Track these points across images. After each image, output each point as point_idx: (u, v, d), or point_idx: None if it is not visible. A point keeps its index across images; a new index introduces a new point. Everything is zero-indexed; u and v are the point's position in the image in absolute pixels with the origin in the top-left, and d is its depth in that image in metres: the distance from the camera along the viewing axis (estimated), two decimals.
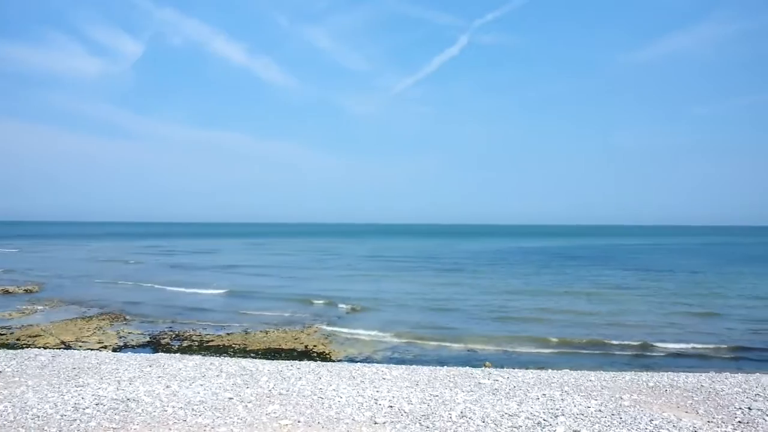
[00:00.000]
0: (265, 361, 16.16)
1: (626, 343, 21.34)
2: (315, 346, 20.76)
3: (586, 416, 9.74)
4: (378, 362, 18.02)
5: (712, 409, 10.48)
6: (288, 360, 17.47)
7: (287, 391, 11.39)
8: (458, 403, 10.53)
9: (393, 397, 10.99)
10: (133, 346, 20.67)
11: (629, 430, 9.02)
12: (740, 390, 12.22)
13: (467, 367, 15.54)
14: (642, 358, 19.25)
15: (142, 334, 23.00)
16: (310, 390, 11.49)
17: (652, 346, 20.89)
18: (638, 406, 10.59)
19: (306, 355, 19.37)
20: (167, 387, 11.51)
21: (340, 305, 30.51)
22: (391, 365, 16.10)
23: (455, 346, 21.07)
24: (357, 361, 18.14)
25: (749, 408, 10.49)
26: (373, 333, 23.26)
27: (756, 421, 9.65)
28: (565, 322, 25.57)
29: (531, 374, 14.21)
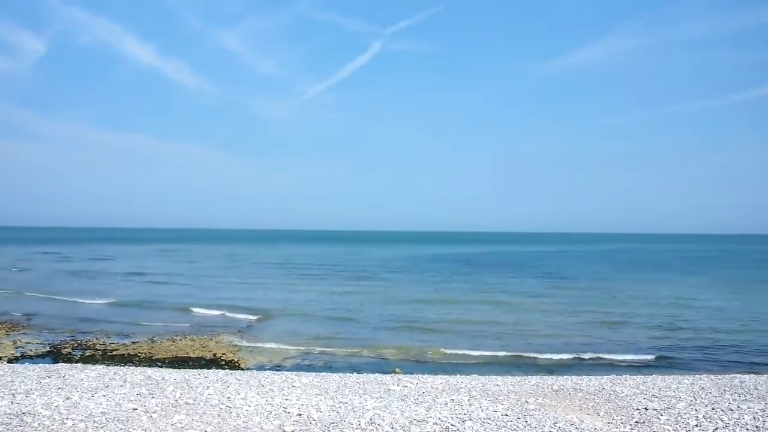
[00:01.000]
0: (171, 370, 15.76)
1: (534, 350, 21.85)
2: (224, 354, 20.40)
3: (493, 420, 9.92)
4: (288, 370, 17.87)
5: (612, 411, 10.85)
6: (196, 368, 17.09)
7: (194, 400, 11.14)
8: (368, 410, 10.54)
9: (302, 404, 10.91)
10: (31, 357, 19.77)
11: None
12: (638, 391, 12.70)
13: (377, 374, 15.61)
14: (548, 364, 19.77)
15: (41, 343, 22.06)
16: (217, 399, 11.27)
17: (559, 352, 21.48)
18: (543, 409, 10.87)
19: (214, 363, 19.02)
20: (67, 399, 11.07)
21: (249, 313, 30.12)
22: (301, 373, 15.99)
23: (365, 353, 21.13)
24: (266, 369, 17.94)
25: (645, 408, 10.93)
26: (283, 340, 23.06)
27: (651, 420, 10.05)
28: (474, 331, 25.99)
29: (440, 380, 14.37)
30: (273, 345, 22.31)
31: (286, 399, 11.42)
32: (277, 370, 17.43)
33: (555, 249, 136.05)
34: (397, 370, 17.89)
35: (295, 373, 15.87)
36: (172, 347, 21.39)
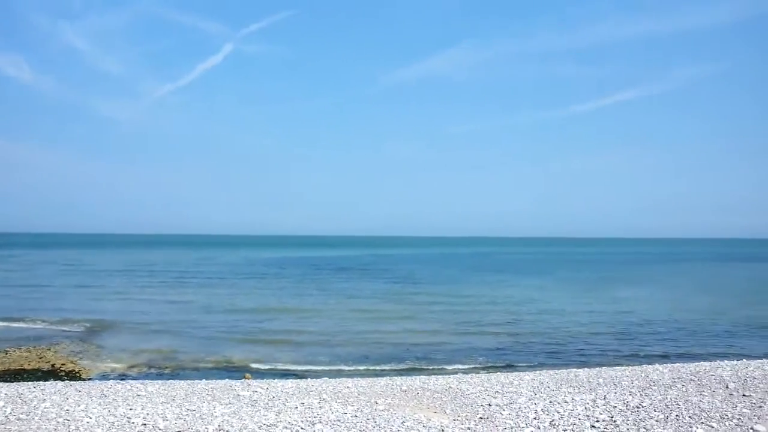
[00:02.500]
0: (2, 383, 14.73)
1: (383, 358, 22.20)
2: (63, 364, 19.30)
3: (343, 422, 9.99)
4: (133, 379, 17.16)
5: (457, 408, 11.21)
6: (31, 381, 16.06)
7: (27, 415, 10.45)
8: (216, 417, 10.32)
9: (147, 414, 10.51)
10: None
11: None
12: (482, 389, 13.20)
13: (226, 380, 15.31)
14: (398, 364, 20.14)
15: None
16: (55, 412, 10.64)
17: (406, 354, 21.95)
18: (392, 410, 11.06)
19: (53, 374, 17.95)
20: None
21: (91, 322, 28.68)
22: (147, 381, 15.41)
23: (214, 360, 20.67)
24: (110, 379, 17.14)
25: (489, 404, 11.38)
26: (128, 349, 22.11)
27: (494, 415, 10.48)
28: (321, 339, 26.08)
29: (291, 384, 14.30)
30: (117, 354, 21.35)
31: (131, 409, 10.96)
32: (122, 380, 16.70)
33: (409, 252, 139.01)
34: (248, 375, 17.64)
35: (140, 381, 15.26)
36: (4, 359, 19.97)
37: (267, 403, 11.59)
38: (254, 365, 19.96)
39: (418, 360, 20.55)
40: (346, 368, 19.43)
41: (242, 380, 15.57)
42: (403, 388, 13.47)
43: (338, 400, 11.91)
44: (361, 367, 19.68)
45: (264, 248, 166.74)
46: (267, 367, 19.71)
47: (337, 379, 15.24)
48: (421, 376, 15.87)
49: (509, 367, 19.61)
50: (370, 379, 15.49)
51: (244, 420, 10.10)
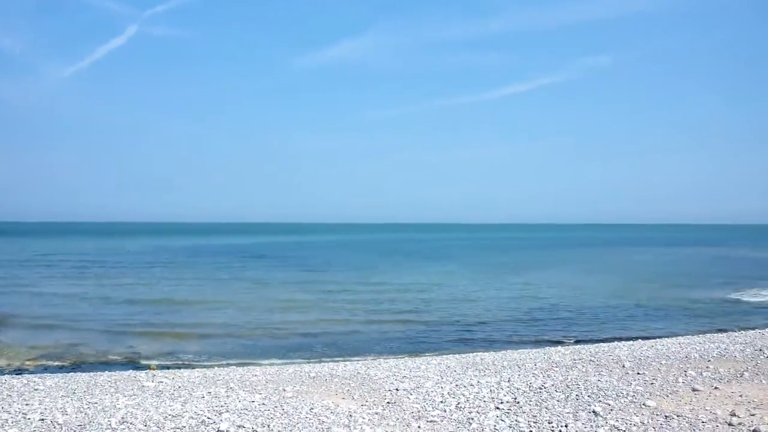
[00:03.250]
0: None
1: (299, 346, 22.12)
2: None
3: (250, 410, 9.91)
4: (30, 373, 16.47)
5: (366, 393, 11.30)
6: None
7: None
8: (119, 409, 10.04)
9: (45, 408, 10.12)
10: None
11: (290, 419, 9.37)
12: (390, 374, 13.35)
13: (131, 371, 14.94)
14: (307, 353, 20.06)
15: None
16: None
17: (315, 342, 21.95)
18: (300, 396, 11.04)
19: None
20: None
21: None
22: (46, 375, 14.84)
23: (117, 352, 20.06)
24: (5, 374, 16.41)
25: (397, 389, 11.51)
26: (24, 343, 21.18)
27: (402, 400, 10.61)
28: (232, 328, 25.77)
29: (197, 373, 14.07)
30: (12, 349, 20.39)
31: (27, 404, 10.54)
32: (18, 374, 16.02)
33: (324, 239, 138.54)
34: (153, 366, 17.24)
35: (38, 376, 14.67)
36: None
37: (173, 394, 11.37)
38: (159, 359, 19.47)
39: (328, 347, 20.55)
40: (255, 360, 19.24)
41: (147, 371, 15.22)
42: (312, 375, 13.48)
43: (246, 389, 11.81)
44: (270, 358, 19.54)
45: (173, 236, 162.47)
46: (172, 361, 19.25)
47: (245, 368, 15.11)
48: (330, 363, 15.91)
49: (417, 352, 19.85)
50: (279, 366, 15.43)
51: (149, 411, 9.88)
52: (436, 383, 12.08)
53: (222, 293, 35.17)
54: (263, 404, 10.35)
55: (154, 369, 16.39)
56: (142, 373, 14.33)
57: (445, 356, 17.07)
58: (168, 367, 17.12)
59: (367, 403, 10.47)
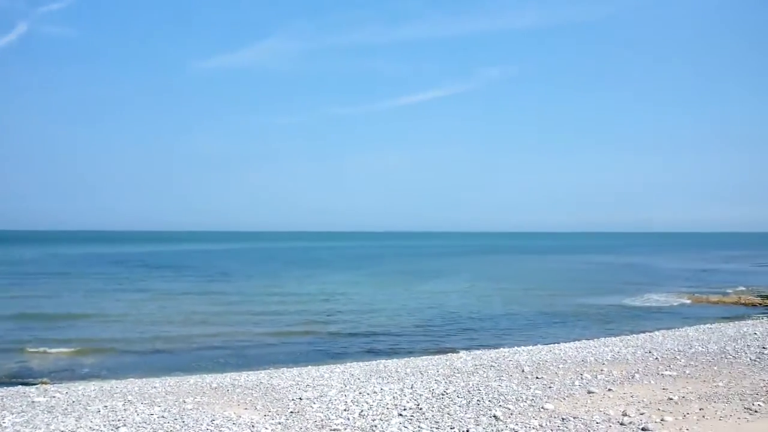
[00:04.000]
0: None
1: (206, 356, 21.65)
2: None
3: (149, 423, 9.65)
4: None
5: (268, 403, 11.19)
6: None
7: None
8: (6, 428, 9.57)
9: None
10: None
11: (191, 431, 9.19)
12: (294, 383, 13.27)
13: (19, 387, 14.26)
14: (209, 364, 19.63)
15: None
16: None
17: (218, 353, 21.56)
18: (201, 408, 10.83)
19: None
20: None
21: None
22: None
23: (4, 371, 18.94)
24: None
25: (300, 398, 11.46)
26: None
27: (305, 409, 10.57)
28: (130, 340, 25.00)
29: (93, 387, 13.58)
30: None
31: None
32: None
33: (221, 247, 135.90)
34: (45, 380, 16.48)
35: None
36: None
37: (66, 409, 10.93)
38: (52, 375, 18.48)
39: (231, 358, 20.19)
40: (154, 373, 18.64)
41: (38, 386, 14.57)
42: (214, 385, 13.24)
43: (144, 401, 11.48)
44: (171, 371, 18.99)
45: (66, 244, 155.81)
46: (66, 376, 18.33)
47: (144, 380, 14.68)
48: (233, 373, 15.66)
49: (322, 361, 19.79)
50: (179, 378, 15.07)
51: (39, 428, 9.47)
52: (340, 391, 12.10)
53: (119, 305, 33.90)
54: (162, 417, 10.10)
55: (46, 383, 15.68)
56: (32, 389, 13.73)
57: (349, 364, 17.09)
58: (62, 382, 16.43)
59: (269, 413, 10.38)
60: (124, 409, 10.73)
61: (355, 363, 17.46)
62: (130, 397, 11.94)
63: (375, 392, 11.88)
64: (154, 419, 9.94)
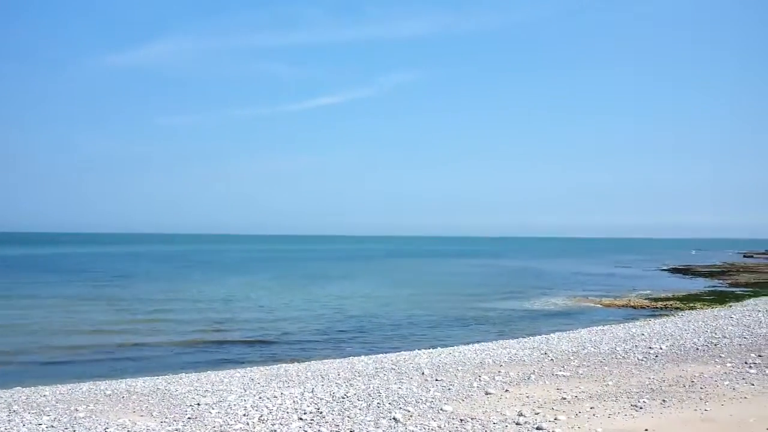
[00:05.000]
0: None
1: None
2: None
3: None
4: None
5: (165, 410, 10.93)
6: None
7: None
8: None
9: None
10: None
11: None
12: (192, 389, 13.01)
13: None
14: (103, 371, 18.92)
15: None
16: None
17: (111, 360, 20.90)
18: (94, 416, 10.47)
19: None
20: None
21: None
22: None
23: None
24: None
25: (198, 404, 11.25)
26: None
27: (203, 415, 10.38)
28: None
29: None
30: None
31: None
32: None
33: (117, 250, 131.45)
34: None
35: None
36: None
37: None
38: None
39: (126, 364, 19.57)
40: (44, 382, 17.86)
41: None
42: (108, 392, 12.83)
43: (32, 411, 11.00)
44: (62, 378, 18.24)
45: None
46: None
47: (32, 388, 14.04)
48: (128, 380, 15.19)
49: (221, 366, 19.46)
50: (71, 385, 14.49)
51: None
52: (240, 396, 11.95)
53: (5, 313, 32.23)
54: (52, 426, 9.71)
55: None
56: None
57: (249, 369, 16.88)
58: None
59: (166, 420, 10.14)
60: (9, 420, 10.25)
61: (255, 367, 17.26)
62: (15, 407, 11.40)
63: (275, 396, 11.78)
64: (43, 429, 9.55)
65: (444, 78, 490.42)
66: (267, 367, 16.92)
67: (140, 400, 11.88)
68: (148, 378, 15.40)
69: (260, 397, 11.75)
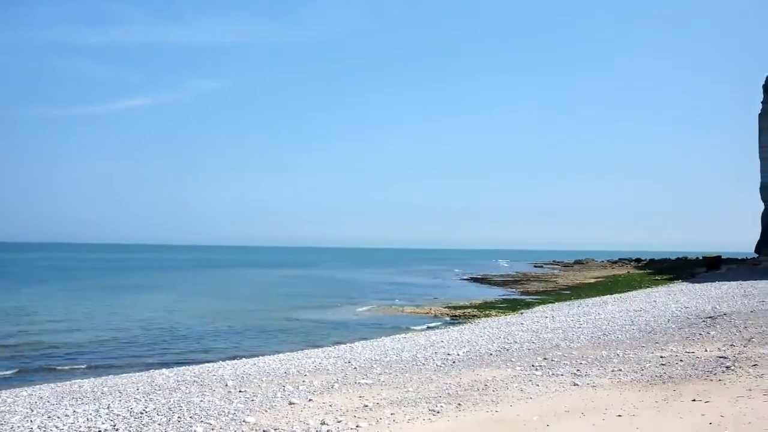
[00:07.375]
0: None
1: None
2: None
3: None
4: None
5: None
6: None
7: None
8: None
9: None
10: None
11: None
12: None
13: None
14: None
15: None
16: None
17: None
18: None
19: None
20: None
21: None
22: None
23: None
24: None
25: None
26: None
27: None
28: None
29: None
30: None
31: None
32: None
33: None
34: None
35: None
36: None
37: None
38: None
39: None
40: None
41: None
42: None
43: None
44: None
45: None
46: None
47: None
48: None
49: (3, 385, 17.95)
50: None
51: None
52: (25, 417, 11.07)
53: None
54: None
55: None
56: None
57: (37, 386, 15.71)
58: None
59: None
60: None
61: (45, 385, 16.09)
62: None
63: (67, 415, 11.02)
64: None
65: (249, 87, 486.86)
66: (58, 384, 15.81)
67: None
68: None
69: (49, 417, 10.95)
